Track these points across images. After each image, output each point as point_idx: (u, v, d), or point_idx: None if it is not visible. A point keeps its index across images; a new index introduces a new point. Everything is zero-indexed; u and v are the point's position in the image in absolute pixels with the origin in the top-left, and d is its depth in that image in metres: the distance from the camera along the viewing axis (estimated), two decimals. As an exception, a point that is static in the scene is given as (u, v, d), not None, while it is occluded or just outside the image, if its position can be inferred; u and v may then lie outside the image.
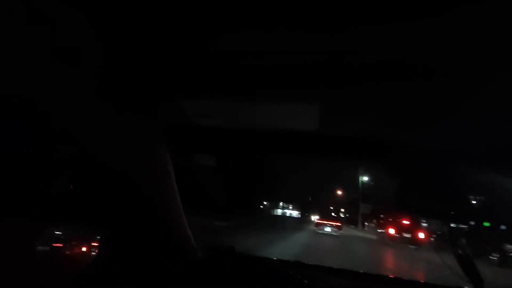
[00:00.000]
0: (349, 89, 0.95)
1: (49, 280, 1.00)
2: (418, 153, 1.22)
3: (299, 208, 42.17)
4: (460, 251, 1.23)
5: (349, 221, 30.65)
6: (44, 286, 0.99)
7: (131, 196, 1.08)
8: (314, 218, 28.78)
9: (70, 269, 1.13)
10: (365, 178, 28.27)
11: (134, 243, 1.14)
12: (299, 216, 39.46)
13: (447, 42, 0.70)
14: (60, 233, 1.13)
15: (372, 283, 1.34)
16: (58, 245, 1.13)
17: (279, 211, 38.90)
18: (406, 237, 13.19)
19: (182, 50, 0.84)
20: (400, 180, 1.23)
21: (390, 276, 1.73)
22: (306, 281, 1.22)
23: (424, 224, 13.02)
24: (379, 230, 17.47)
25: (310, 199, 41.41)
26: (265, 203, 29.79)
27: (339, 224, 17.52)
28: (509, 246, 9.00)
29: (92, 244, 1.15)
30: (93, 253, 1.14)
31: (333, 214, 30.96)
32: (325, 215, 22.37)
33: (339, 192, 37.89)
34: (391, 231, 14.30)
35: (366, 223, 27.43)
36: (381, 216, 19.92)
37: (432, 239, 12.12)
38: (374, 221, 25.15)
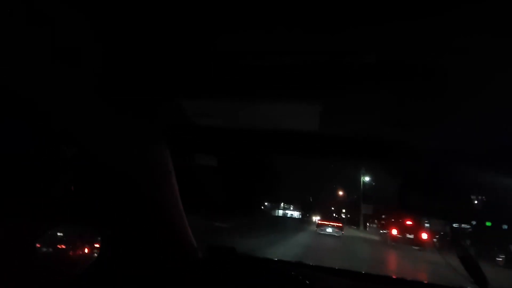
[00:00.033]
0: (349, 89, 0.95)
1: (49, 280, 1.00)
2: (419, 153, 1.22)
3: (300, 208, 42.13)
4: (463, 252, 1.22)
5: (350, 221, 30.64)
6: (44, 286, 0.99)
7: (132, 196, 1.08)
8: (315, 218, 28.80)
9: (72, 270, 1.13)
10: (366, 178, 28.26)
11: (134, 243, 1.14)
12: (300, 216, 39.42)
13: (447, 42, 0.70)
14: (61, 234, 1.13)
15: (374, 283, 1.33)
16: (60, 246, 1.13)
17: (280, 212, 38.87)
18: (409, 238, 13.09)
19: (182, 50, 0.85)
20: (401, 180, 1.23)
21: (392, 277, 1.73)
22: (307, 282, 1.21)
23: (427, 225, 12.96)
24: (381, 231, 17.40)
25: (311, 200, 41.43)
26: (265, 203, 29.80)
27: (341, 224, 17.50)
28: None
29: (94, 245, 1.15)
30: (95, 255, 1.14)
31: (334, 214, 30.95)
32: (326, 216, 22.39)
33: (340, 193, 37.91)
34: (394, 231, 14.20)
35: (368, 224, 27.39)
36: (383, 216, 19.86)
37: (435, 240, 12.05)
38: (376, 221, 25.10)
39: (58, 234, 1.12)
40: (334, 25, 0.69)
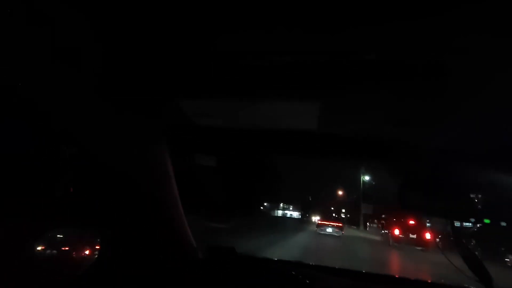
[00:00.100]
0: (350, 88, 0.95)
1: (49, 280, 1.00)
2: (419, 152, 1.22)
3: (299, 208, 42.10)
4: (466, 251, 1.22)
5: (351, 221, 30.58)
6: (44, 286, 0.99)
7: (131, 196, 1.08)
8: (315, 218, 28.77)
9: (72, 271, 1.13)
10: (366, 178, 28.22)
11: (134, 243, 1.14)
12: (300, 217, 39.39)
13: (448, 42, 0.70)
14: (61, 236, 1.13)
15: (375, 283, 1.33)
16: (60, 248, 1.13)
17: (279, 212, 38.86)
18: (412, 238, 12.90)
19: (182, 50, 0.85)
20: (402, 180, 1.22)
21: (394, 276, 1.72)
22: (307, 281, 1.21)
23: (428, 224, 12.88)
24: (383, 231, 17.31)
25: (310, 200, 41.40)
26: (265, 204, 29.79)
27: (341, 224, 17.48)
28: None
29: (95, 247, 1.15)
30: (96, 256, 1.13)
31: (334, 214, 30.92)
32: (326, 216, 22.35)
33: (340, 192, 37.87)
34: (396, 231, 13.99)
35: (368, 224, 27.37)
36: (383, 216, 19.79)
37: (438, 239, 11.95)
38: (376, 221, 25.07)
39: (58, 236, 1.12)
40: (334, 25, 0.69)
